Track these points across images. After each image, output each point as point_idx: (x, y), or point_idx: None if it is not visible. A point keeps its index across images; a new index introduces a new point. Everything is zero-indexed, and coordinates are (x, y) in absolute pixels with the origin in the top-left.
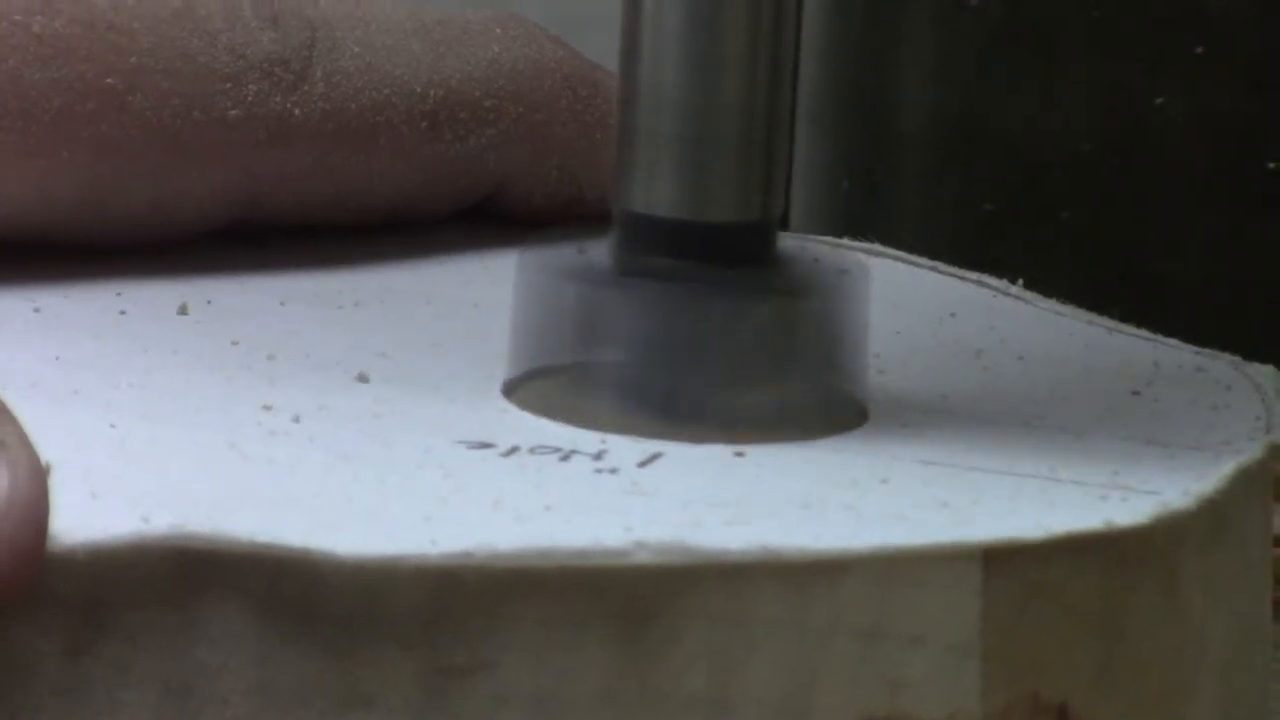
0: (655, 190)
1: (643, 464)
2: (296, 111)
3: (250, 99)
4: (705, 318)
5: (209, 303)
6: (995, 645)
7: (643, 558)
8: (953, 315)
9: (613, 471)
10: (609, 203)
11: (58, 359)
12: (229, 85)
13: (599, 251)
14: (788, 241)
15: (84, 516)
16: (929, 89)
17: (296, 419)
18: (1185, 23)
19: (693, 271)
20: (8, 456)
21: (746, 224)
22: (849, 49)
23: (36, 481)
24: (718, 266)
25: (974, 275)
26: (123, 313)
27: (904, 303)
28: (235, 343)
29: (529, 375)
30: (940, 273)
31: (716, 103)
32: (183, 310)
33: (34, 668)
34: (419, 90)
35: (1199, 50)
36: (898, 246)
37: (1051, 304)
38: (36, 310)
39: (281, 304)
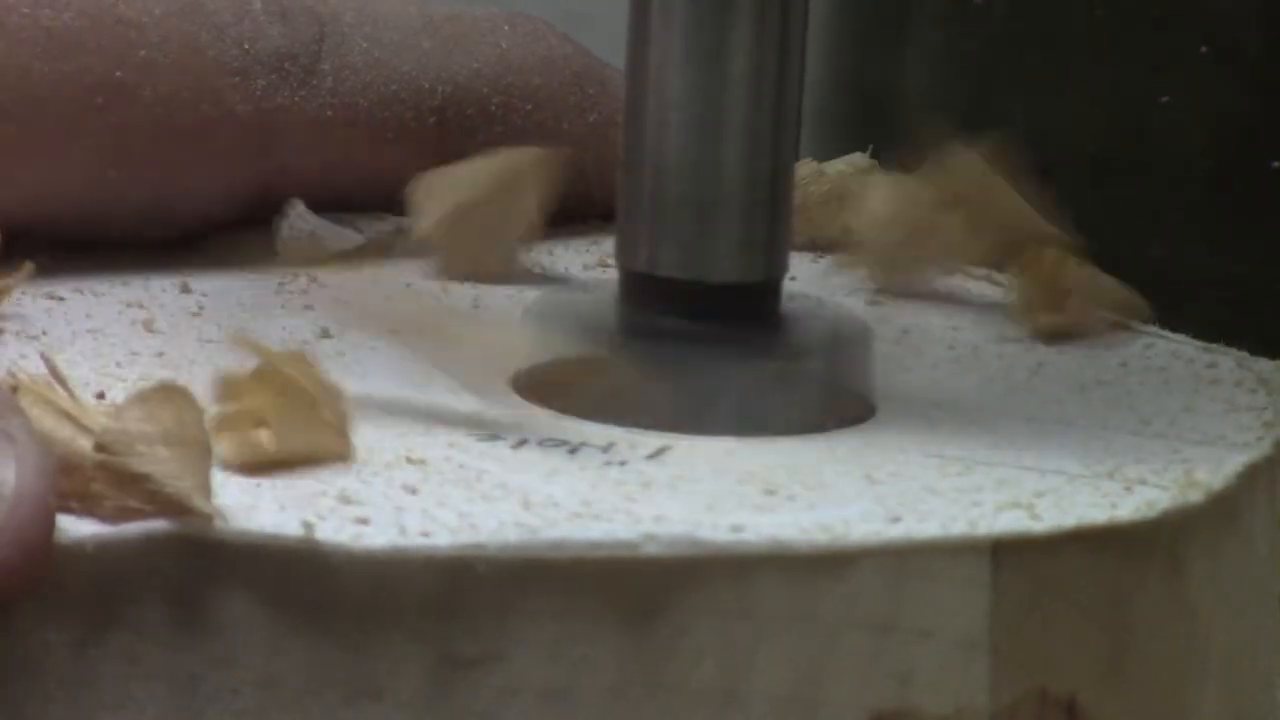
0: (660, 251)
1: (651, 456)
2: (304, 106)
3: (258, 93)
4: (711, 378)
5: (213, 293)
6: (1004, 639)
7: (652, 550)
8: (960, 310)
9: (622, 464)
10: (615, 200)
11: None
12: (237, 79)
13: (605, 306)
14: (794, 301)
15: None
16: (933, 88)
17: None
18: (1189, 23)
19: (698, 332)
20: (15, 451)
21: (751, 285)
22: (854, 48)
23: (44, 475)
24: (723, 327)
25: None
26: (129, 305)
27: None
28: (244, 333)
29: (538, 369)
30: None
31: (720, 166)
32: (185, 288)
33: (43, 660)
34: (427, 86)
35: (1203, 50)
36: None
37: None
38: (54, 300)
39: (288, 296)
